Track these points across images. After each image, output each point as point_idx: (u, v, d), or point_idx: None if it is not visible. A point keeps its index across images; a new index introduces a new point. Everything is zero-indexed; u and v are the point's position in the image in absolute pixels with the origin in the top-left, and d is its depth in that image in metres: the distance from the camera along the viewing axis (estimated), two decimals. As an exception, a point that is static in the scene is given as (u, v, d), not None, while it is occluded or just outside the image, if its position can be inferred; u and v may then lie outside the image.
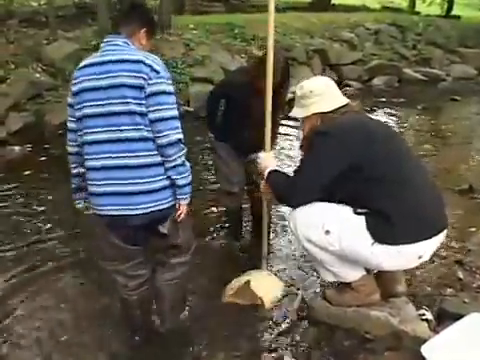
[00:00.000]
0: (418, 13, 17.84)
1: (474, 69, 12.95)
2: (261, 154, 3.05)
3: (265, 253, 3.32)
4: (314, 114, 2.73)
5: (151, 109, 2.41)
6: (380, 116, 8.44)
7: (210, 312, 3.04)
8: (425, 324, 2.72)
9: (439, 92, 10.99)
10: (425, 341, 2.50)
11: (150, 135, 2.43)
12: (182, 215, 2.59)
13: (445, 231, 2.62)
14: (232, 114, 3.45)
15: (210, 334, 2.85)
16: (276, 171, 2.91)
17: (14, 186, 5.03)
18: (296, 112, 2.83)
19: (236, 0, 17.15)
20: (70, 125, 2.62)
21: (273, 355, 2.69)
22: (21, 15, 10.76)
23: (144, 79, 2.39)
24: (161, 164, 2.47)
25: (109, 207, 2.47)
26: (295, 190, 2.68)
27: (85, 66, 2.56)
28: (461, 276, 3.32)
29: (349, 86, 10.85)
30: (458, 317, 2.63)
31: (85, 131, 2.49)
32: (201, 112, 8.10)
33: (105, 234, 2.58)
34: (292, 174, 2.76)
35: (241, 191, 3.67)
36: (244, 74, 3.36)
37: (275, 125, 3.43)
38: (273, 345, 2.76)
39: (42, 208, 4.53)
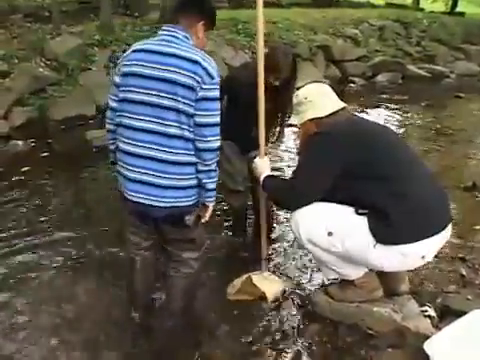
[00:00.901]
0: (422, 10, 17.79)
1: (478, 66, 12.91)
2: (256, 160, 3.07)
3: (264, 255, 3.31)
4: (310, 120, 2.76)
5: (199, 113, 2.43)
6: (384, 113, 8.43)
7: (212, 307, 3.04)
8: (428, 321, 2.72)
9: (443, 89, 10.95)
10: (428, 338, 2.50)
11: (190, 135, 2.46)
12: (207, 215, 2.67)
13: (449, 229, 2.62)
14: (236, 111, 3.44)
15: (211, 329, 2.86)
16: (272, 176, 2.96)
17: (17, 180, 5.03)
18: (293, 119, 2.91)
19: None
20: (111, 104, 2.64)
21: (275, 350, 2.69)
22: (25, 10, 10.76)
23: (198, 82, 2.40)
24: (193, 164, 2.51)
25: (134, 194, 2.53)
26: (293, 194, 2.70)
27: (140, 50, 2.52)
28: (464, 273, 3.32)
29: (353, 82, 10.82)
30: (461, 314, 2.63)
31: (124, 114, 2.53)
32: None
33: (127, 212, 2.69)
34: (290, 177, 2.79)
35: (245, 189, 3.66)
36: (248, 70, 3.34)
37: (282, 123, 3.43)
38: (275, 340, 2.76)
39: (45, 202, 4.53)
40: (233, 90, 3.38)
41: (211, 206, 2.66)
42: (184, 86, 2.40)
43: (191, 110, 2.42)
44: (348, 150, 2.56)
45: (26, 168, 5.39)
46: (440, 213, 2.62)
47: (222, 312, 3.00)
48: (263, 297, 3.03)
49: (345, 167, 2.55)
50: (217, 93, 2.47)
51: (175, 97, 2.41)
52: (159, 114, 2.44)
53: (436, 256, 2.84)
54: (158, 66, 2.44)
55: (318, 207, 2.66)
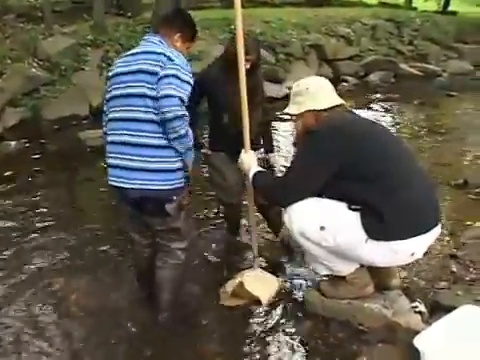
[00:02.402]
0: (415, 9, 17.86)
1: (470, 65, 12.97)
2: (242, 155, 3.05)
3: (256, 253, 3.33)
4: (308, 111, 2.75)
5: (160, 88, 2.60)
6: (376, 111, 8.47)
7: (205, 307, 3.06)
8: (418, 316, 2.74)
9: (435, 88, 11.00)
10: (418, 333, 2.51)
11: (157, 118, 2.64)
12: (189, 170, 2.83)
13: (438, 227, 2.65)
14: (215, 111, 3.44)
15: (204, 329, 2.87)
16: (261, 172, 2.96)
17: (10, 181, 5.04)
18: (291, 109, 2.85)
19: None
20: (104, 107, 2.94)
21: (268, 347, 2.71)
22: (17, 10, 10.76)
23: (161, 67, 2.64)
24: (166, 147, 2.67)
25: (113, 178, 2.78)
26: (287, 190, 2.71)
27: (123, 56, 2.89)
28: (454, 269, 3.34)
29: (345, 81, 10.86)
30: (451, 309, 2.64)
31: (109, 110, 2.83)
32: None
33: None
34: (283, 173, 2.79)
35: (239, 200, 3.66)
36: (215, 66, 3.43)
37: (257, 107, 3.38)
38: (268, 337, 2.78)
39: (38, 202, 4.54)
40: (206, 89, 3.37)
41: (189, 162, 2.81)
42: (148, 72, 2.66)
43: (155, 93, 2.62)
44: (343, 149, 2.58)
45: (19, 168, 5.39)
46: (431, 211, 2.65)
47: (215, 310, 3.02)
48: (257, 301, 3.04)
49: (339, 165, 2.57)
50: (178, 73, 2.63)
51: (140, 84, 2.66)
52: (129, 102, 2.70)
53: (427, 253, 2.87)
54: (130, 62, 2.76)
55: (311, 202, 2.68)
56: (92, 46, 8.47)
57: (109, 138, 2.81)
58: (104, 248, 3.72)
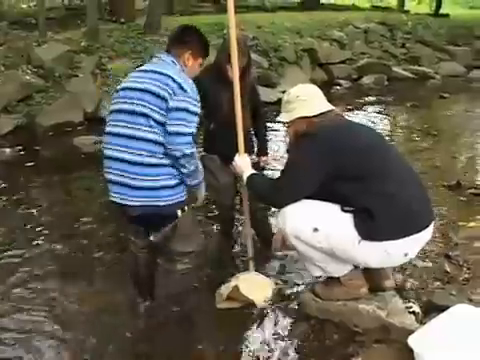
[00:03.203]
0: (407, 12, 17.92)
1: (463, 67, 13.06)
2: (236, 158, 3.09)
3: (251, 254, 3.35)
4: (299, 118, 2.79)
5: (170, 122, 2.65)
6: (370, 114, 8.50)
7: (200, 310, 3.07)
8: (412, 316, 2.76)
9: (428, 90, 11.07)
10: (412, 333, 2.54)
11: (157, 138, 2.67)
12: (199, 201, 3.01)
13: (431, 227, 2.68)
14: (207, 115, 3.46)
15: (199, 332, 2.89)
16: (255, 174, 2.99)
17: (4, 188, 5.04)
18: (282, 117, 2.90)
19: (226, 0, 17.19)
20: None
21: (263, 349, 2.72)
22: (11, 17, 10.76)
23: (169, 93, 2.65)
24: (162, 165, 2.71)
25: (115, 195, 2.78)
26: (281, 194, 2.75)
27: (135, 71, 2.91)
28: (448, 269, 3.36)
29: (339, 85, 10.91)
30: (444, 309, 2.66)
31: (109, 123, 2.83)
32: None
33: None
34: (277, 176, 2.82)
35: (233, 202, 3.70)
36: (208, 72, 3.41)
37: (245, 109, 3.40)
38: (263, 340, 2.80)
39: (33, 210, 4.54)
40: (200, 96, 3.38)
41: (199, 194, 2.97)
42: (154, 94, 2.68)
43: (161, 118, 2.66)
44: (334, 153, 2.62)
45: (14, 175, 5.40)
46: (423, 211, 2.68)
47: (210, 313, 3.03)
48: (252, 304, 3.05)
49: (332, 169, 2.61)
50: (189, 105, 2.69)
51: (144, 103, 2.68)
52: (132, 119, 2.71)
53: (421, 253, 2.89)
54: (138, 79, 2.78)
55: (304, 203, 2.71)
56: (86, 53, 8.49)
57: (108, 152, 2.79)
58: (99, 254, 3.72)
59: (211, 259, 3.62)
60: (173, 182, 2.75)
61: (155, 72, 2.76)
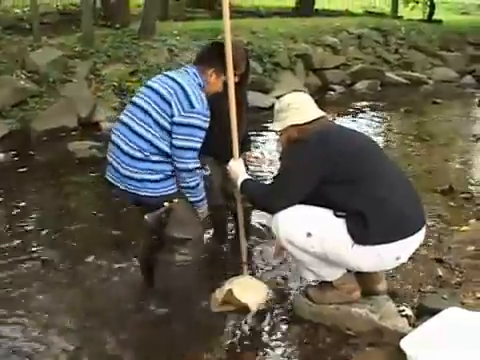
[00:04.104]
0: (400, 17, 17.99)
1: (455, 72, 13.10)
2: (230, 162, 3.11)
3: (244, 259, 3.36)
4: (291, 126, 2.82)
5: (176, 136, 2.90)
6: (363, 119, 8.55)
7: (193, 314, 3.08)
8: (405, 320, 2.78)
9: (421, 95, 11.12)
10: (405, 336, 2.56)
11: (149, 137, 2.90)
12: (200, 216, 3.19)
13: (423, 231, 2.71)
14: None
15: (192, 336, 2.89)
16: (249, 180, 3.01)
17: (-1, 193, 5.04)
18: (275, 125, 2.94)
19: (220, 6, 17.23)
20: None
21: (257, 353, 2.74)
22: (5, 22, 10.73)
23: (175, 102, 2.89)
24: (147, 161, 2.91)
25: (109, 174, 3.09)
26: (274, 199, 2.78)
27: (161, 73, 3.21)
28: (440, 273, 3.39)
29: (332, 90, 10.95)
30: (436, 312, 2.69)
31: (124, 111, 3.12)
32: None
33: None
34: (270, 181, 2.85)
35: (224, 204, 3.71)
36: None
37: (242, 119, 3.43)
38: (257, 343, 2.82)
39: (27, 214, 4.54)
40: None
41: (201, 211, 3.16)
42: (161, 96, 2.92)
43: (161, 119, 2.91)
44: (327, 158, 2.65)
45: (8, 180, 5.40)
46: (415, 215, 2.71)
47: (204, 317, 3.05)
48: (246, 307, 3.07)
49: (324, 173, 2.64)
50: (196, 121, 2.89)
51: (150, 102, 2.94)
52: (137, 113, 2.97)
53: (413, 257, 2.92)
54: (157, 80, 3.05)
55: (298, 208, 2.73)
56: (80, 58, 8.49)
57: (112, 137, 3.07)
58: (92, 258, 3.73)
59: (205, 263, 3.63)
60: (155, 177, 2.94)
61: (172, 79, 2.99)
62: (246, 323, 2.98)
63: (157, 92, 2.95)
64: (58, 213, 4.64)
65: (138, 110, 2.98)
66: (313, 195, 2.69)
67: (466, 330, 2.49)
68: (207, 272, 3.51)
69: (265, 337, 2.86)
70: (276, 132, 3.04)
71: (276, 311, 3.08)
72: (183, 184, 3.01)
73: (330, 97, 10.50)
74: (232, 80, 3.03)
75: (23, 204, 4.76)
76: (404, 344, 2.46)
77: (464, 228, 4.10)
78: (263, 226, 4.15)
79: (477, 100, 10.10)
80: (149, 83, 3.08)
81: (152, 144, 2.91)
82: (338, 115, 8.51)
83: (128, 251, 3.79)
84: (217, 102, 3.15)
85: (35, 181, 5.38)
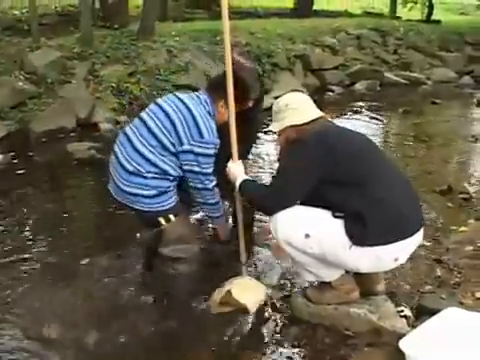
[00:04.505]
0: (399, 18, 18.01)
1: (454, 73, 13.10)
2: (229, 164, 3.11)
3: (244, 260, 3.36)
4: (289, 127, 2.82)
5: (185, 162, 3.07)
6: (362, 120, 8.55)
7: (192, 314, 3.09)
8: (403, 320, 2.78)
9: (420, 95, 11.12)
10: (404, 336, 2.56)
11: (148, 155, 3.04)
12: (221, 235, 3.43)
13: (421, 232, 2.71)
14: None
15: (190, 337, 2.89)
16: (248, 180, 3.01)
17: (-3, 193, 5.04)
18: (273, 126, 2.94)
19: (219, 7, 17.22)
20: None
21: (255, 354, 2.74)
22: (3, 23, 10.74)
23: (184, 130, 3.01)
24: (141, 176, 3.05)
25: (110, 186, 3.26)
26: (273, 199, 2.77)
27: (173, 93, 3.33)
28: (439, 274, 3.39)
29: (331, 91, 10.95)
30: (435, 312, 2.69)
31: (129, 124, 3.26)
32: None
33: None
34: (269, 183, 2.85)
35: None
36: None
37: (249, 138, 3.50)
38: (255, 344, 2.82)
39: (25, 216, 4.53)
40: None
41: (219, 227, 3.39)
42: (169, 119, 3.04)
43: (165, 139, 3.04)
44: (325, 158, 2.65)
45: (6, 181, 5.39)
46: (414, 217, 2.71)
47: (202, 318, 3.05)
48: (245, 309, 3.07)
49: (323, 174, 2.64)
50: (205, 151, 3.04)
51: (158, 123, 3.05)
52: (141, 131, 3.09)
53: (412, 257, 2.91)
54: (168, 100, 3.16)
55: (296, 210, 2.73)
56: (79, 59, 8.49)
57: (115, 147, 3.19)
58: (91, 260, 3.72)
59: (204, 264, 3.64)
60: (150, 192, 3.07)
61: (183, 102, 3.09)
62: (245, 324, 2.99)
63: (166, 114, 3.05)
64: (56, 214, 4.63)
65: (144, 128, 3.08)
66: (311, 196, 2.69)
67: (465, 330, 2.49)
68: (206, 273, 3.51)
69: (264, 337, 2.86)
70: (274, 133, 3.04)
71: (275, 311, 3.08)
72: (202, 200, 3.22)
73: (329, 97, 10.50)
74: (231, 80, 3.02)
75: (21, 205, 4.75)
76: (403, 344, 2.46)
77: (463, 228, 4.10)
78: (261, 227, 4.14)
79: (476, 100, 10.10)
80: (160, 101, 3.16)
81: (153, 164, 3.04)
82: (337, 116, 8.51)
83: (127, 252, 3.79)
84: (226, 129, 3.16)
85: (34, 182, 5.38)
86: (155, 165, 3.05)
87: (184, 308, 3.12)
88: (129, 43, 9.33)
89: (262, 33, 11.48)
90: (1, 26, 10.16)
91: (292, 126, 2.81)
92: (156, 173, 3.07)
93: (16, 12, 12.56)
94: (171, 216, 3.18)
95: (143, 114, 3.16)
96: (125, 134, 3.17)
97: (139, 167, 3.06)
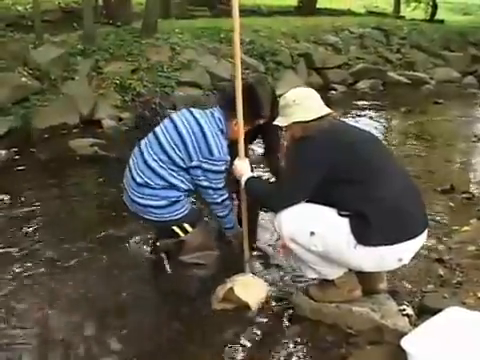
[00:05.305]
0: (402, 17, 17.99)
1: (457, 72, 13.08)
2: (236, 161, 3.10)
3: (247, 257, 3.36)
4: (295, 123, 2.79)
5: (197, 178, 3.17)
6: (365, 119, 8.54)
7: (194, 311, 3.09)
8: (406, 319, 2.79)
9: (423, 95, 11.10)
10: (406, 335, 2.56)
11: (158, 170, 3.14)
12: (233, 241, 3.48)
13: (425, 233, 2.71)
14: None
15: (192, 333, 2.89)
16: (254, 178, 3.00)
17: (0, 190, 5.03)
18: (279, 121, 2.90)
19: (222, 4, 17.23)
20: None
21: (257, 352, 2.75)
22: (6, 19, 10.73)
23: (195, 147, 3.09)
24: (150, 188, 3.17)
25: (124, 198, 3.40)
26: (279, 197, 2.77)
27: (187, 108, 3.34)
28: (441, 273, 3.39)
29: (334, 90, 10.94)
30: (437, 311, 2.69)
31: (143, 138, 3.35)
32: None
33: None
34: (275, 181, 2.84)
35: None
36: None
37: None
38: (257, 342, 2.82)
39: (28, 212, 4.53)
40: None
41: (230, 236, 3.47)
42: (179, 135, 3.11)
43: (173, 154, 3.12)
44: (331, 155, 2.63)
45: (9, 177, 5.39)
46: (418, 217, 2.70)
47: (204, 315, 3.05)
48: (247, 306, 3.07)
49: (329, 172, 2.63)
50: (215, 167, 3.11)
51: (170, 140, 3.13)
52: (152, 145, 3.19)
53: (415, 257, 2.91)
54: (181, 115, 3.22)
55: (301, 207, 2.73)
56: (82, 55, 8.49)
57: (130, 161, 3.31)
58: (93, 256, 3.73)
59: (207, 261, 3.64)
60: (160, 203, 3.17)
61: (195, 119, 3.16)
62: (247, 321, 2.98)
63: (178, 130, 3.12)
64: (59, 210, 4.64)
65: (156, 144, 3.17)
66: (317, 194, 2.68)
67: (467, 329, 2.49)
68: (209, 270, 3.52)
69: (266, 335, 2.87)
70: (280, 128, 3.02)
71: (277, 309, 3.08)
72: (214, 212, 3.35)
73: (332, 96, 10.48)
74: (239, 70, 3.01)
75: (24, 201, 4.76)
76: (405, 343, 2.46)
77: (465, 228, 4.09)
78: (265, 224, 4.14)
79: (479, 100, 10.08)
80: (174, 117, 3.24)
81: (163, 178, 3.15)
82: (340, 115, 8.49)
83: (129, 249, 3.80)
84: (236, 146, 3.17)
85: (36, 178, 5.38)
86: (164, 179, 3.16)
87: (184, 305, 3.13)
88: (132, 40, 9.33)
89: (266, 31, 11.47)
90: (4, 22, 10.16)
91: (298, 122, 2.78)
92: (165, 186, 3.19)
93: (19, 8, 12.54)
94: (186, 225, 3.30)
95: (157, 129, 3.25)
96: (139, 148, 3.28)
97: (149, 180, 3.17)
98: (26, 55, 7.94)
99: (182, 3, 15.51)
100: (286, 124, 2.84)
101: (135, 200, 3.24)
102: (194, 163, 3.12)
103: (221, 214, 3.33)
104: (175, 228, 3.28)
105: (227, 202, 3.30)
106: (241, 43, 10.12)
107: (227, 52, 9.97)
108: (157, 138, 3.20)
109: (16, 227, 4.22)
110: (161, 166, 3.15)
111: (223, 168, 3.17)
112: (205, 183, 3.18)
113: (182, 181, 3.22)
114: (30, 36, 8.83)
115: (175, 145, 3.12)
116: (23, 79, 7.40)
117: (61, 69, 7.93)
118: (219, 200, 3.26)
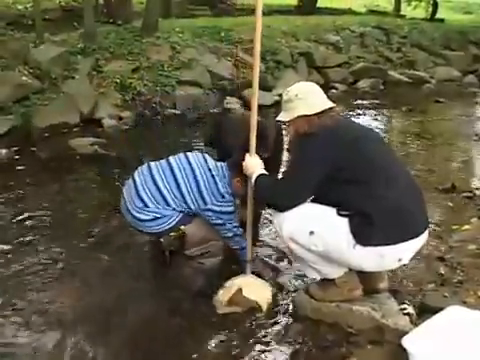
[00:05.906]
0: (403, 16, 17.96)
1: (458, 71, 13.06)
2: (246, 158, 3.07)
3: (249, 257, 3.36)
4: (299, 117, 2.77)
5: (209, 218, 3.28)
6: (365, 118, 8.54)
7: (195, 313, 3.08)
8: (406, 318, 2.79)
9: (423, 94, 11.09)
10: (406, 334, 2.56)
11: (170, 200, 3.24)
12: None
13: (426, 234, 2.70)
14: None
15: (194, 335, 2.89)
16: (264, 175, 2.95)
17: (0, 189, 5.03)
18: (282, 116, 2.88)
19: (223, 4, 17.22)
20: None
21: (258, 351, 2.74)
22: (7, 18, 10.72)
23: (209, 192, 3.23)
24: (148, 205, 3.24)
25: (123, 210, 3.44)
26: (284, 195, 2.75)
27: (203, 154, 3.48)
28: (442, 272, 3.39)
29: (335, 88, 10.92)
30: (438, 310, 2.69)
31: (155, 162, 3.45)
32: (187, 115, 8.19)
33: None
34: (280, 178, 2.82)
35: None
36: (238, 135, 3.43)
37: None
38: (258, 341, 2.82)
39: (28, 211, 4.53)
40: (220, 144, 3.77)
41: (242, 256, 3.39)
42: (195, 176, 3.24)
43: (187, 195, 3.23)
44: (334, 153, 2.62)
45: (9, 176, 5.39)
46: (419, 217, 2.69)
47: (205, 316, 3.04)
48: (255, 307, 3.06)
49: (331, 169, 2.62)
50: (227, 209, 3.26)
51: (184, 176, 3.24)
52: (168, 177, 3.27)
53: (415, 256, 2.91)
54: (197, 157, 3.37)
55: (301, 207, 2.72)
56: (82, 54, 8.48)
57: (136, 176, 3.38)
58: (94, 255, 3.73)
59: (207, 262, 3.64)
60: (147, 217, 3.23)
61: (208, 167, 3.31)
62: (249, 320, 2.98)
63: (193, 171, 3.25)
64: (59, 209, 4.64)
65: (171, 176, 3.27)
66: (320, 194, 2.68)
67: (467, 328, 2.49)
68: (210, 271, 3.52)
69: (266, 334, 2.87)
70: (283, 123, 2.99)
71: (278, 308, 3.09)
72: (225, 238, 3.38)
73: (332, 95, 10.42)
74: (257, 65, 3.04)
75: (24, 200, 4.76)
76: (406, 342, 2.46)
77: (466, 227, 4.09)
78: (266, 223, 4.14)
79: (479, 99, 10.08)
80: (189, 155, 3.37)
81: (167, 202, 3.24)
82: (341, 114, 8.48)
83: (130, 248, 3.79)
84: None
85: (36, 177, 5.38)
86: (168, 204, 3.26)
87: (185, 307, 3.13)
88: (133, 39, 9.33)
89: (266, 30, 11.38)
90: (5, 21, 10.14)
91: (302, 116, 2.76)
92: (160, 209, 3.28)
93: (20, 7, 12.54)
94: (182, 227, 3.39)
95: (172, 160, 3.36)
96: (150, 170, 3.34)
97: (149, 201, 3.27)
98: (26, 54, 7.93)
99: (182, 2, 15.51)
100: (289, 119, 2.82)
101: (129, 210, 3.30)
102: (209, 206, 3.24)
103: (230, 234, 3.35)
104: (172, 234, 3.40)
105: (239, 230, 3.36)
106: (240, 42, 10.02)
107: (227, 51, 9.97)
108: (173, 173, 3.28)
109: (16, 226, 4.22)
110: (172, 198, 3.24)
111: (232, 208, 3.30)
112: (219, 221, 3.28)
113: (179, 206, 3.32)
114: (30, 35, 8.83)
115: (190, 186, 3.24)
116: (23, 78, 7.40)
117: (61, 68, 7.92)
118: (229, 226, 3.32)
